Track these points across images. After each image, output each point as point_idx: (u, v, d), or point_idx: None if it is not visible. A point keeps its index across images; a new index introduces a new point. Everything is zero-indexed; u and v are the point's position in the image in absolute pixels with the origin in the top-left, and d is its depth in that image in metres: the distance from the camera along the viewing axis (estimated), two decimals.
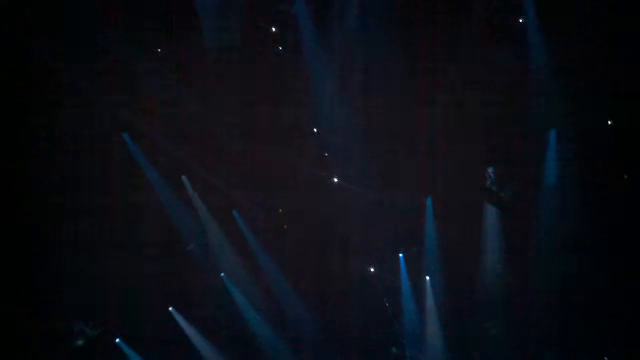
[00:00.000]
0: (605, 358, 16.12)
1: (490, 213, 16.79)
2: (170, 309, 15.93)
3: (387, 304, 16.77)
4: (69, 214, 15.92)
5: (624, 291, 16.05)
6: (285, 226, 17.01)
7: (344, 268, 16.79)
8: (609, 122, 16.38)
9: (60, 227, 15.94)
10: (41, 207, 15.70)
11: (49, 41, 15.51)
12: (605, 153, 16.28)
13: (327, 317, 16.77)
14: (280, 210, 17.03)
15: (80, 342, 15.95)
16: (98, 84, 15.90)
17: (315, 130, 16.97)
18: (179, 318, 15.94)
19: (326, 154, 17.14)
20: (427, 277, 16.41)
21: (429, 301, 16.42)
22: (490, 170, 16.65)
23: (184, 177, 16.38)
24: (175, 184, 16.39)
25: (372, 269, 17.00)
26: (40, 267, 15.72)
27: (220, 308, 16.39)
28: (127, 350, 15.66)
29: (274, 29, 16.83)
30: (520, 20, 16.40)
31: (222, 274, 16.27)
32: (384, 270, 16.79)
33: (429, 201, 16.53)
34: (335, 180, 17.06)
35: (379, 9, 16.47)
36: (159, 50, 16.59)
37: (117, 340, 15.69)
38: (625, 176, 16.39)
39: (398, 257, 16.45)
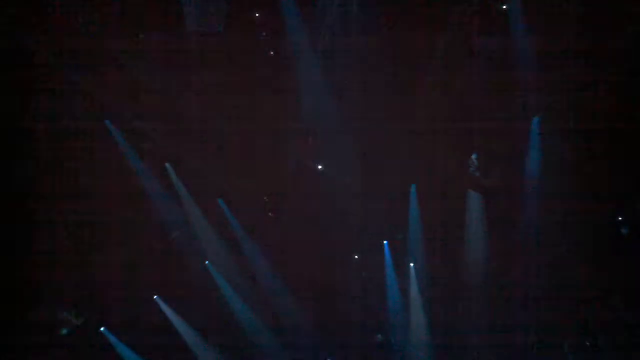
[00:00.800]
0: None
1: (474, 200, 16.86)
2: (155, 297, 15.87)
3: (371, 290, 16.83)
4: (52, 205, 15.81)
5: (607, 281, 16.20)
6: (270, 214, 16.94)
7: (329, 255, 16.78)
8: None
9: (44, 218, 15.83)
10: (25, 196, 15.58)
11: (31, 26, 15.34)
12: (590, 139, 16.36)
13: (312, 304, 16.77)
14: (266, 198, 16.95)
15: (64, 331, 15.88)
16: (80, 70, 15.74)
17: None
18: (164, 306, 15.88)
19: (310, 139, 17.09)
20: (411, 264, 16.45)
21: (413, 288, 16.48)
22: (473, 157, 16.70)
23: (167, 165, 16.30)
24: (159, 172, 16.29)
25: (355, 256, 17.02)
26: (25, 255, 15.62)
27: (205, 296, 16.32)
28: (112, 338, 15.59)
29: (257, 14, 16.71)
30: (504, 7, 16.38)
31: (207, 262, 16.22)
32: (368, 257, 16.78)
33: (412, 188, 16.55)
34: (320, 167, 17.02)
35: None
36: (140, 35, 16.40)
37: (102, 328, 15.62)
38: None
39: (382, 244, 16.47)
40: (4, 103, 15.49)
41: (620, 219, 16.57)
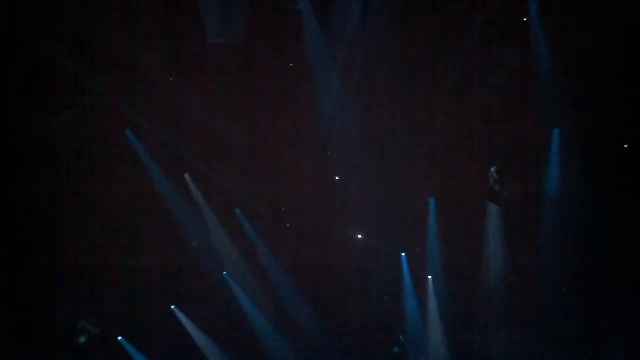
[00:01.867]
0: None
1: (494, 213, 16.78)
2: (173, 307, 15.90)
3: (389, 304, 16.79)
4: (71, 211, 15.90)
5: (626, 292, 16.07)
6: (288, 225, 16.95)
7: (346, 268, 16.75)
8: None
9: (62, 224, 15.92)
10: (43, 203, 15.69)
11: (51, 37, 15.45)
12: (609, 153, 16.28)
13: (329, 316, 16.77)
14: (284, 209, 16.96)
15: (82, 340, 15.94)
16: (99, 81, 15.84)
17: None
18: (181, 317, 15.91)
19: (328, 152, 17.08)
20: (430, 277, 16.40)
21: (431, 301, 16.42)
22: (493, 170, 16.64)
23: (186, 175, 16.35)
24: (178, 182, 16.34)
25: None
26: (42, 264, 15.70)
27: (222, 307, 16.34)
28: (129, 348, 15.63)
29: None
30: (525, 20, 16.33)
31: (225, 273, 16.24)
32: (386, 270, 16.73)
33: (431, 202, 16.50)
34: (337, 179, 17.02)
35: (382, 7, 16.39)
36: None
37: (120, 338, 15.67)
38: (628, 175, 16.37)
39: (401, 257, 16.43)
40: (24, 112, 15.58)
41: None
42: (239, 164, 16.70)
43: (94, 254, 15.97)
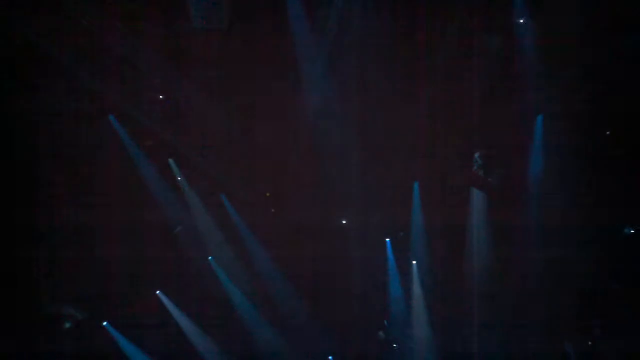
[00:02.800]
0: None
1: (477, 198, 16.85)
2: (157, 292, 15.92)
3: (374, 288, 16.86)
4: (61, 198, 15.88)
5: (610, 278, 16.18)
6: (273, 210, 16.98)
7: (331, 253, 16.79)
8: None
9: (46, 211, 15.90)
10: (29, 191, 15.67)
11: (38, 21, 15.40)
12: (593, 138, 16.36)
13: (314, 300, 16.84)
14: (267, 194, 16.98)
15: (68, 325, 15.94)
16: (85, 65, 15.80)
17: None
18: (166, 301, 15.94)
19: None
20: (414, 262, 16.47)
21: (416, 286, 16.49)
22: (477, 155, 16.70)
23: (170, 160, 16.34)
24: (162, 167, 16.33)
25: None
26: (31, 252, 15.72)
27: (207, 291, 16.37)
28: (114, 333, 15.65)
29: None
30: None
31: (210, 257, 16.27)
32: (370, 254, 16.80)
33: (415, 186, 16.55)
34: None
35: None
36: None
37: (105, 323, 15.69)
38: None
39: (385, 241, 16.50)
40: (8, 98, 15.54)
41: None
42: (225, 149, 16.67)
43: (79, 240, 15.98)
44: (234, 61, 16.49)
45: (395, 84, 16.56)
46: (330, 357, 16.47)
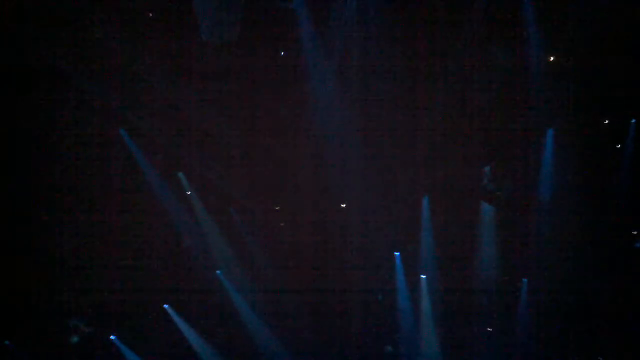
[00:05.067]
0: (601, 359, 16.15)
1: (487, 212, 16.78)
2: (165, 306, 15.92)
3: (383, 302, 16.81)
4: (65, 211, 15.96)
5: (621, 292, 16.07)
6: (282, 224, 16.97)
7: (340, 267, 16.74)
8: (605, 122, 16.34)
9: (57, 224, 15.96)
10: (38, 204, 15.78)
11: (48, 39, 15.48)
12: (603, 152, 16.28)
13: (322, 315, 16.79)
14: (277, 208, 16.97)
15: (75, 339, 15.95)
16: (96, 81, 15.86)
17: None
18: (174, 315, 15.93)
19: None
20: (423, 276, 16.40)
21: (425, 300, 16.42)
22: (487, 169, 16.64)
23: (180, 174, 16.36)
24: (172, 181, 16.35)
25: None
26: (37, 263, 15.74)
27: (216, 305, 16.36)
28: (122, 347, 15.65)
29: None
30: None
31: (218, 272, 16.27)
32: (380, 268, 16.74)
33: (425, 200, 16.50)
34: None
35: (379, 6, 16.37)
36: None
37: (112, 337, 15.69)
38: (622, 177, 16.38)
39: (394, 255, 16.43)
40: (19, 111, 15.61)
41: (635, 232, 16.45)
42: (235, 164, 16.69)
43: (88, 252, 16.01)
44: (243, 74, 16.52)
45: (403, 98, 16.55)
46: None
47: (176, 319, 15.97)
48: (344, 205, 17.00)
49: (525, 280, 16.24)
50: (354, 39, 16.58)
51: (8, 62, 15.49)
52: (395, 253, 16.44)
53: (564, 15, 15.92)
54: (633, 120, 15.94)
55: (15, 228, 15.72)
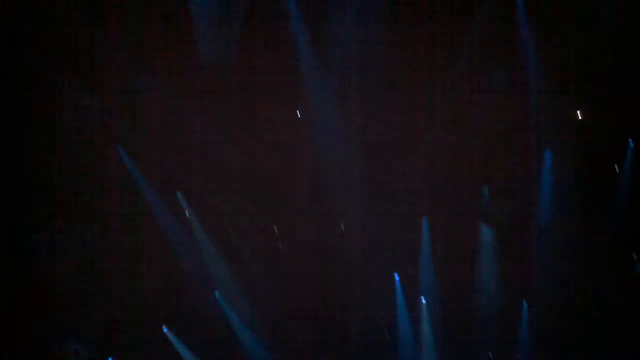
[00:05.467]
0: None
1: (486, 233, 16.73)
2: (164, 329, 15.63)
3: (383, 324, 16.66)
4: (63, 230, 15.65)
5: (623, 316, 16.05)
6: (280, 245, 16.81)
7: (340, 288, 16.57)
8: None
9: (54, 247, 15.80)
10: (36, 222, 15.44)
11: (47, 54, 15.28)
12: (602, 173, 16.31)
13: (323, 335, 16.61)
14: (275, 229, 16.82)
15: None
16: (94, 98, 15.67)
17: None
18: (173, 338, 15.64)
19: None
20: (422, 298, 16.27)
21: (425, 322, 16.28)
22: (485, 190, 16.62)
23: (179, 194, 16.16)
24: (170, 201, 16.14)
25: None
26: (35, 287, 15.47)
27: (215, 327, 16.08)
28: None
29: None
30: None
31: (216, 293, 16.03)
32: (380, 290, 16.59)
33: (425, 222, 16.42)
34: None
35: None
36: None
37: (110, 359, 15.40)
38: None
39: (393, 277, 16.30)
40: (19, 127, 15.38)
41: (635, 256, 16.48)
42: (235, 183, 16.51)
43: (86, 275, 15.75)
44: (241, 94, 16.42)
45: (402, 119, 16.57)
46: None
47: (175, 341, 15.65)
48: (343, 227, 16.89)
49: (525, 302, 16.11)
50: (353, 58, 16.60)
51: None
52: (395, 275, 16.31)
53: (564, 34, 16.03)
54: (631, 143, 16.01)
55: (13, 252, 15.39)
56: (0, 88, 15.28)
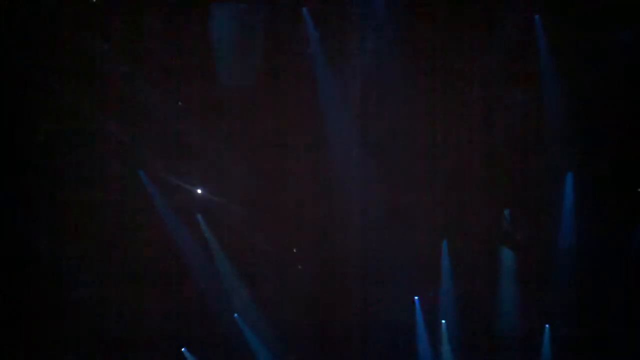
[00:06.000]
0: None
1: (506, 256, 16.62)
2: (183, 349, 15.64)
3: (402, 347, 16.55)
4: (77, 250, 15.81)
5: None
6: (300, 267, 16.79)
7: (359, 312, 16.49)
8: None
9: (69, 262, 15.84)
10: (46, 240, 15.67)
11: (55, 71, 15.49)
12: (623, 195, 16.17)
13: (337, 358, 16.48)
14: (294, 250, 16.82)
15: None
16: (105, 118, 15.87)
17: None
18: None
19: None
20: (443, 321, 16.17)
21: (445, 345, 16.17)
22: (506, 213, 16.53)
23: (198, 216, 16.23)
24: (188, 222, 16.20)
25: None
26: (47, 306, 15.58)
27: (233, 350, 16.06)
28: None
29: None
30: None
31: (235, 315, 16.03)
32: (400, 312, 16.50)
33: (444, 245, 16.35)
34: None
35: (396, 51, 16.46)
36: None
37: None
38: None
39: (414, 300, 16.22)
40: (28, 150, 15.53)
41: None
42: (250, 204, 16.60)
43: (101, 296, 15.84)
44: (259, 116, 16.51)
45: (419, 140, 16.54)
46: None
47: None
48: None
49: (547, 326, 15.94)
50: (369, 83, 16.66)
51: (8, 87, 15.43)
52: (415, 298, 16.23)
53: (582, 53, 15.99)
54: None
55: (25, 270, 15.54)
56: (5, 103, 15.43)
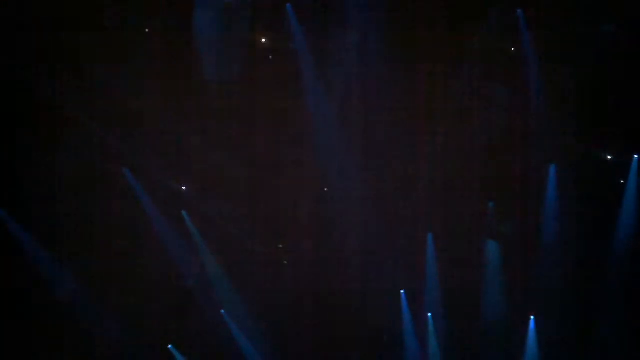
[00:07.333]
0: None
1: (491, 248, 16.72)
2: (169, 347, 15.65)
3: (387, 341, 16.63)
4: (66, 250, 15.75)
5: (631, 331, 15.98)
6: (285, 262, 16.82)
7: (343, 305, 16.56)
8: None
9: (59, 261, 15.79)
10: (39, 247, 15.57)
11: (49, 75, 15.44)
12: (606, 185, 16.30)
13: (327, 355, 16.53)
14: (280, 246, 16.82)
15: None
16: (97, 118, 15.83)
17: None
18: (178, 356, 15.65)
19: (325, 189, 17.04)
20: (429, 314, 16.25)
21: (431, 339, 16.26)
22: (490, 205, 16.63)
23: (183, 212, 16.23)
24: (174, 219, 16.19)
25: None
26: (38, 311, 15.59)
27: (221, 346, 16.08)
28: None
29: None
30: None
31: (222, 311, 16.05)
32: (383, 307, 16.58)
33: (429, 238, 16.42)
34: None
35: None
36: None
37: None
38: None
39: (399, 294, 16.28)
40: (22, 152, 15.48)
41: None
42: (238, 201, 16.58)
43: (91, 294, 15.83)
44: (245, 113, 16.50)
45: (404, 137, 16.60)
46: None
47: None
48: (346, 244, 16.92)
49: (532, 317, 16.06)
50: (355, 79, 16.68)
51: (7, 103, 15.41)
52: (401, 291, 16.30)
53: (565, 49, 16.07)
54: (635, 156, 15.99)
55: (16, 274, 15.50)
56: (2, 107, 15.39)
